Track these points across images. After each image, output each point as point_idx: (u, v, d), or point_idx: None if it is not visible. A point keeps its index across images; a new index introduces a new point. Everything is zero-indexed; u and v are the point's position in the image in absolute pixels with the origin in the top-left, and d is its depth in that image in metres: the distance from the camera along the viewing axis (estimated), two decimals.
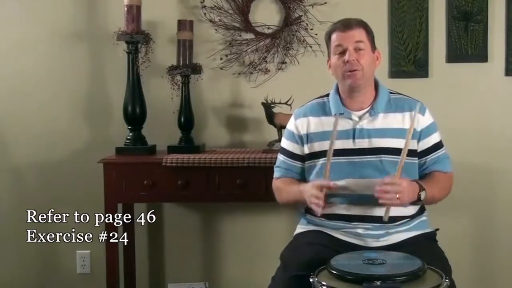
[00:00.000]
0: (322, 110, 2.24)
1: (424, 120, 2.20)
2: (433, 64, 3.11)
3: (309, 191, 2.05)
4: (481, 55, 3.08)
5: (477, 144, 3.12)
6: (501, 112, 3.12)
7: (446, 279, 1.77)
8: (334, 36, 2.17)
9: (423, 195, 2.07)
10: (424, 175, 2.22)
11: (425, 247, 2.03)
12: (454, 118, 3.07)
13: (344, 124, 2.18)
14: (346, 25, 2.15)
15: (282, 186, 2.27)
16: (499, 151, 3.13)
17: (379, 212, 2.09)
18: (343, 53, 2.13)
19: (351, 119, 2.19)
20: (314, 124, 2.23)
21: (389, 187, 1.96)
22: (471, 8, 3.07)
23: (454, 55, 3.10)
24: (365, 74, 2.14)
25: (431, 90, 3.08)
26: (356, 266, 1.81)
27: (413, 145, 2.17)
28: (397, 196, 1.96)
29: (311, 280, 1.81)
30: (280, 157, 2.31)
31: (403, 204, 2.00)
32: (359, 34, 2.14)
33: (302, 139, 2.24)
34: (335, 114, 2.19)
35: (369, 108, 2.19)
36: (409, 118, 2.17)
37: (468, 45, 3.08)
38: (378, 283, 1.69)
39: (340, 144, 2.15)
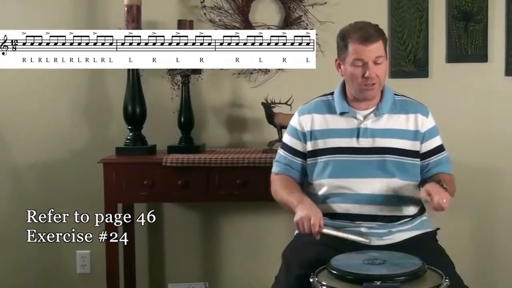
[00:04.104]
0: (327, 108, 2.24)
1: (428, 122, 2.22)
2: (433, 64, 3.10)
3: (305, 217, 2.00)
4: (481, 55, 3.08)
5: (477, 144, 3.11)
6: (501, 112, 3.12)
7: (446, 279, 1.77)
8: (353, 47, 2.10)
9: (444, 184, 2.04)
10: (428, 178, 2.21)
11: (427, 245, 2.05)
12: (454, 118, 3.07)
13: (349, 123, 2.19)
14: (366, 37, 2.09)
15: (279, 188, 2.24)
16: (499, 151, 3.13)
17: (381, 211, 2.12)
18: (362, 66, 2.11)
19: (355, 118, 2.19)
20: (319, 121, 2.23)
21: (435, 202, 1.94)
22: (471, 8, 3.06)
23: (454, 55, 3.09)
24: (381, 85, 2.16)
25: (431, 90, 3.08)
26: (356, 266, 1.80)
27: (416, 146, 2.19)
28: (445, 201, 1.94)
29: (311, 280, 1.81)
30: (281, 151, 2.30)
31: (450, 200, 1.97)
32: (379, 47, 2.11)
33: (305, 136, 2.24)
34: (340, 113, 2.20)
35: (374, 108, 2.20)
36: (413, 120, 2.18)
37: (468, 45, 3.08)
38: (378, 283, 1.69)
39: (344, 143, 2.17)
